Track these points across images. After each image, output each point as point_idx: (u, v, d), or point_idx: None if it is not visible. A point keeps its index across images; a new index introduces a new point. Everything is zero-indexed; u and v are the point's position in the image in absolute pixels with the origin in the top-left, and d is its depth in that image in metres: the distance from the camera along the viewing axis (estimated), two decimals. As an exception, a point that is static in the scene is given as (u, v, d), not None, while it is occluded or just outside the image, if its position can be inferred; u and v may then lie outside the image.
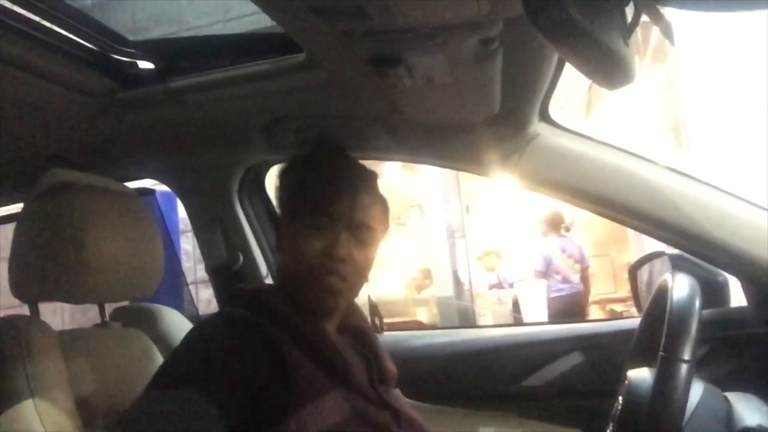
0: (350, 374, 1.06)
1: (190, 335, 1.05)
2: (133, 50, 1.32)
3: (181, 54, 1.34)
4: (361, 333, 1.20)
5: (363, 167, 1.19)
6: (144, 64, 1.34)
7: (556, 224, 5.85)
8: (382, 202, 1.19)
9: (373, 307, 1.32)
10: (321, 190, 1.10)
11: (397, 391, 1.22)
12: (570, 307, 5.82)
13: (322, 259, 1.06)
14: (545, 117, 1.42)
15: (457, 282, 6.66)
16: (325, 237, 1.07)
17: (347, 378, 1.05)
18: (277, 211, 1.21)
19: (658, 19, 0.66)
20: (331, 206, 1.08)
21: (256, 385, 0.94)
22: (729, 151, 4.26)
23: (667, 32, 0.70)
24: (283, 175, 1.21)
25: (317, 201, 1.09)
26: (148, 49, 1.34)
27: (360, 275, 1.12)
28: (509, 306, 6.63)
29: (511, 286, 6.96)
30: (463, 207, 7.00)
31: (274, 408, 0.94)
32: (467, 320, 6.41)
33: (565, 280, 5.88)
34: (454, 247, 6.77)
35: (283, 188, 1.19)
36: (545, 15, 0.61)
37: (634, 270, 1.77)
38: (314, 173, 1.14)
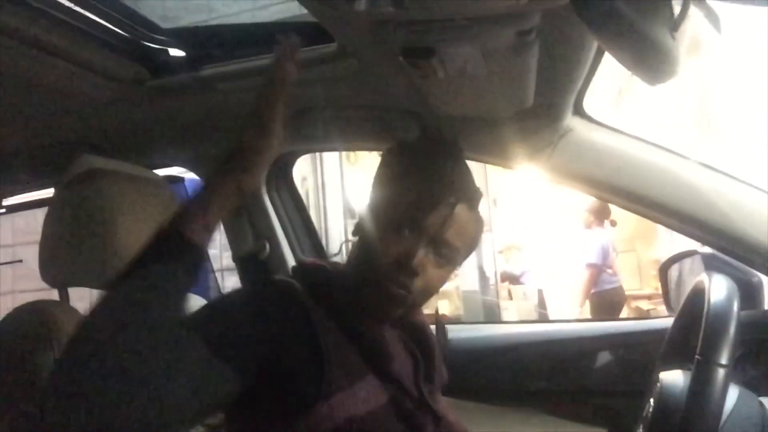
0: (390, 365, 1.01)
1: (231, 292, 1.02)
2: (164, 38, 1.32)
3: (212, 42, 1.34)
4: (418, 330, 1.14)
5: (472, 179, 1.07)
6: (175, 52, 1.34)
7: (602, 216, 5.63)
8: (478, 222, 1.09)
9: (439, 323, 1.29)
10: (416, 193, 1.00)
11: (441, 398, 1.15)
12: (621, 300, 5.74)
13: (394, 266, 0.97)
14: (579, 111, 1.39)
15: (483, 276, 6.64)
16: (405, 245, 0.98)
17: (387, 369, 1.01)
18: (370, 189, 1.09)
19: (705, 10, 0.63)
20: (421, 215, 0.99)
21: (280, 357, 0.89)
22: (762, 147, 4.17)
23: (714, 23, 0.67)
24: (384, 157, 1.10)
25: (409, 204, 1.00)
26: (179, 36, 1.34)
27: (428, 292, 1.03)
28: (534, 301, 6.59)
29: (520, 277, 6.88)
30: (491, 200, 6.95)
31: (304, 388, 0.90)
32: (492, 314, 6.39)
33: (615, 274, 5.76)
34: (481, 241, 6.74)
35: (379, 171, 1.09)
36: (592, 6, 0.59)
37: (664, 268, 1.74)
38: (417, 170, 1.03)
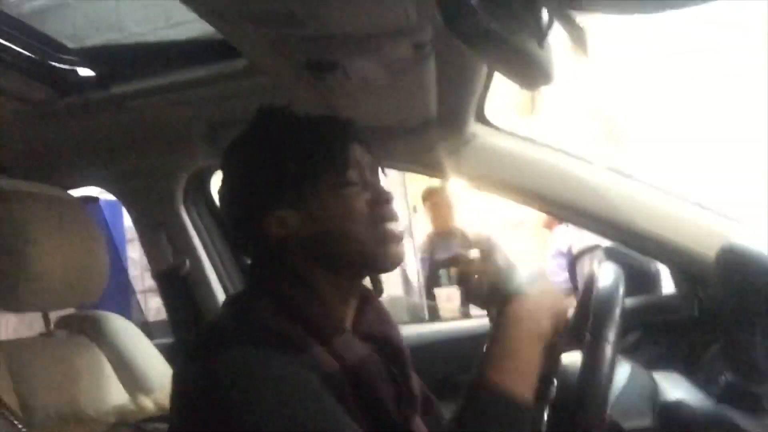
0: (379, 401, 0.86)
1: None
2: (72, 57, 1.32)
3: (121, 60, 1.34)
4: (385, 340, 0.98)
5: None
6: (84, 71, 1.33)
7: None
8: None
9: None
10: None
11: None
12: None
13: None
14: (481, 118, 1.47)
15: (407, 281, 6.70)
16: None
17: (376, 405, 0.86)
18: None
19: (569, 26, 0.70)
20: None
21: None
22: (658, 145, 4.40)
23: (579, 40, 0.72)
24: None
25: None
26: (88, 56, 1.33)
27: None
28: (457, 302, 6.64)
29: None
30: (410, 208, 7.02)
31: None
32: (417, 318, 6.44)
33: None
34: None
35: None
36: (461, 23, 0.65)
37: (572, 262, 1.85)
38: None
